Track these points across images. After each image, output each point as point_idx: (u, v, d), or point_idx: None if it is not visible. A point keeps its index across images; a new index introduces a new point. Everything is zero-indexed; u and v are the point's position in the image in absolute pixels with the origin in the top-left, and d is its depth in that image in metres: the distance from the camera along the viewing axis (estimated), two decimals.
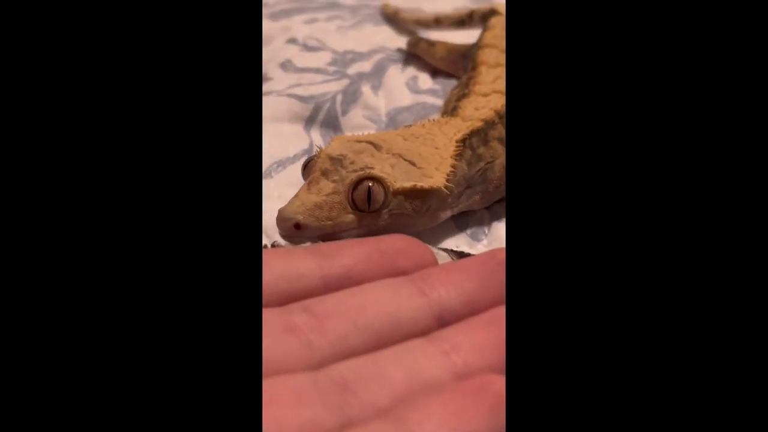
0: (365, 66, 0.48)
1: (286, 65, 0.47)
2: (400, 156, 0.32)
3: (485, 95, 0.38)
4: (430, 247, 0.32)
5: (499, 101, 0.37)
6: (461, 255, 0.32)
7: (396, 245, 0.27)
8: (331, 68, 0.47)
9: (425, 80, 0.48)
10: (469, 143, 0.34)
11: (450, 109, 0.38)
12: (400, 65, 0.49)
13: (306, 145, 0.42)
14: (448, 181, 0.32)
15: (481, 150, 0.35)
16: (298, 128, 0.42)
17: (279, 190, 0.37)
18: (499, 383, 0.22)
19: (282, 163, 0.40)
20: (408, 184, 0.31)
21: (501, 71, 0.39)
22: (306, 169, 0.32)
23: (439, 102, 0.45)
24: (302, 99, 0.43)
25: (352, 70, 0.47)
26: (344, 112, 0.43)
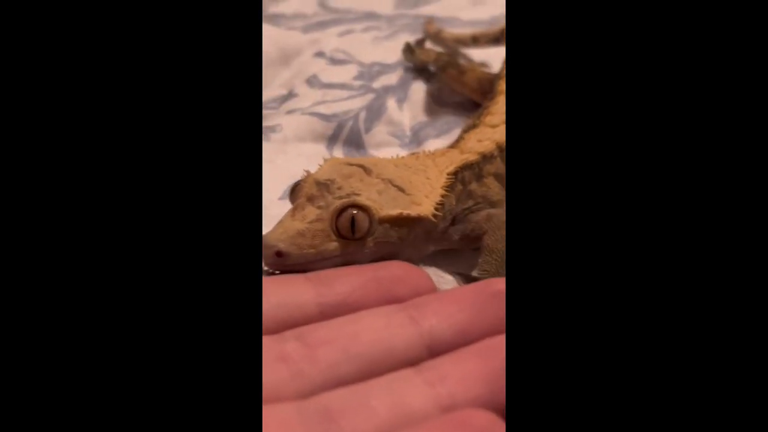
0: (391, 78, 0.48)
1: (312, 81, 0.48)
2: (390, 182, 0.31)
3: (494, 126, 0.36)
4: (439, 271, 0.33)
5: (504, 134, 0.35)
6: (473, 280, 0.32)
7: (394, 272, 0.28)
8: (357, 82, 0.47)
9: (451, 92, 0.48)
10: (461, 176, 0.34)
11: (456, 141, 0.37)
12: (426, 75, 0.49)
13: None
14: (437, 210, 0.32)
15: (474, 186, 0.34)
16: (321, 147, 0.43)
17: None
18: (482, 418, 0.22)
19: None
20: (394, 212, 0.30)
21: None
22: (293, 193, 0.32)
23: (465, 116, 0.45)
24: (325, 117, 0.44)
25: (378, 83, 0.47)
26: (367, 130, 0.44)
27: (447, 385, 0.23)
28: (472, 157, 0.34)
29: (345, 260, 0.30)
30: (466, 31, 0.53)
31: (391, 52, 0.51)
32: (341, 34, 0.54)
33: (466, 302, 0.26)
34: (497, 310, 0.26)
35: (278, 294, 0.26)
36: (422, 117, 0.45)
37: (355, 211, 0.30)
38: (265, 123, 0.44)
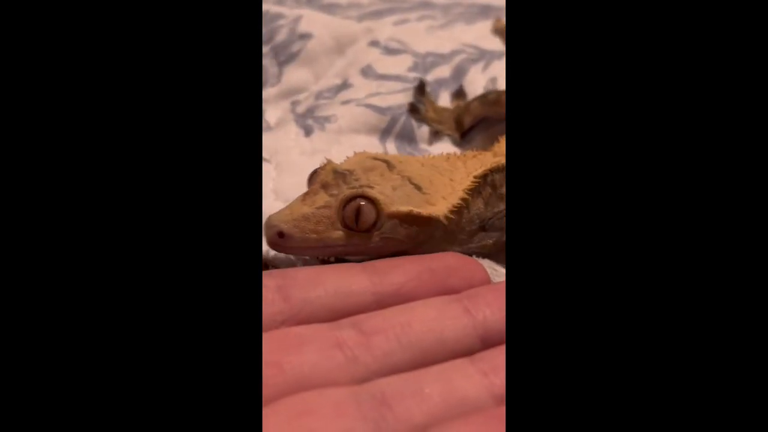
0: (445, 71, 0.48)
1: (366, 71, 0.48)
2: (409, 179, 0.31)
3: None
4: (493, 263, 0.33)
5: None
6: None
7: (449, 263, 0.28)
8: (411, 74, 0.47)
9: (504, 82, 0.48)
10: (490, 179, 0.32)
11: (492, 144, 0.36)
12: (481, 65, 0.48)
13: None
14: (453, 214, 0.31)
15: (504, 190, 0.32)
16: (374, 140, 0.43)
17: None
18: None
19: None
20: (404, 209, 0.30)
21: None
22: (311, 179, 0.32)
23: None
24: (379, 110, 0.44)
25: (432, 75, 0.47)
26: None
27: (501, 375, 0.24)
28: (503, 160, 0.33)
29: (348, 251, 0.30)
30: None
31: (446, 41, 0.51)
32: (396, 23, 0.54)
33: None
34: None
35: (334, 282, 0.27)
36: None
37: (362, 202, 0.29)
38: (321, 113, 0.45)
